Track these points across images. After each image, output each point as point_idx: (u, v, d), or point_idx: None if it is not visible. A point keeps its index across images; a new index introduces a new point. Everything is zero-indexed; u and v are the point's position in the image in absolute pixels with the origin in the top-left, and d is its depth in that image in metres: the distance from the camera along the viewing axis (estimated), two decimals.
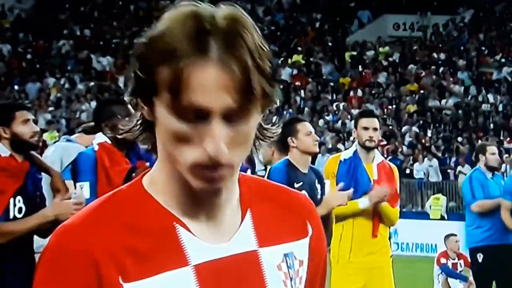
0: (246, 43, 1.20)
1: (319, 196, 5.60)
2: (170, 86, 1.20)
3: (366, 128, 5.54)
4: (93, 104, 21.20)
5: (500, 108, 23.89)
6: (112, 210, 1.29)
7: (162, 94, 1.21)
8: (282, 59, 26.20)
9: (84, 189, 4.27)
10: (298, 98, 23.83)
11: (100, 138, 4.51)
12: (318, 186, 5.61)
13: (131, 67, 1.26)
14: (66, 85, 24.97)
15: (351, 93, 24.64)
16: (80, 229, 1.27)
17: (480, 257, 7.49)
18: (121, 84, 23.77)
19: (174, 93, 1.20)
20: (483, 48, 27.59)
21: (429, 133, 22.68)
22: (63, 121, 22.29)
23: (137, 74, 1.24)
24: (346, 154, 5.81)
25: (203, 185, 1.25)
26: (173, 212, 1.29)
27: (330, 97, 24.58)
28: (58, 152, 5.66)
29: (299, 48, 27.32)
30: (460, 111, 23.86)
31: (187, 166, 1.24)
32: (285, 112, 21.11)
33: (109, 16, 28.81)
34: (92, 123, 6.25)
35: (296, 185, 5.37)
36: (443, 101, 24.39)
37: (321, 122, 22.19)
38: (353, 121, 5.88)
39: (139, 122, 1.30)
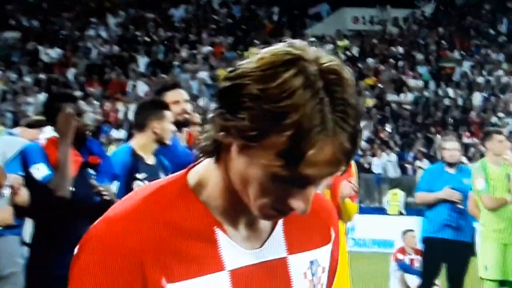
0: (353, 108, 1.23)
1: None
2: (284, 156, 1.22)
3: None
4: (40, 97, 20.91)
5: (460, 102, 24.21)
6: (156, 207, 1.31)
7: (266, 153, 1.23)
8: (238, 52, 26.16)
9: (40, 169, 4.30)
10: None
11: (48, 132, 4.50)
12: None
13: (225, 103, 1.26)
14: (12, 78, 24.58)
15: None
16: (125, 225, 1.28)
17: (422, 247, 7.88)
18: (69, 76, 23.49)
19: (287, 163, 1.22)
20: (443, 42, 27.93)
21: (387, 128, 22.89)
22: (9, 115, 21.94)
23: (240, 123, 1.23)
24: None
25: (267, 219, 1.33)
26: (215, 214, 1.33)
27: None
28: (0, 147, 5.58)
29: (256, 42, 27.30)
30: (419, 106, 24.12)
31: (258, 206, 1.28)
32: None
33: (58, 7, 28.43)
34: (37, 117, 6.19)
35: None
36: (402, 96, 24.62)
37: None
38: None
39: (213, 140, 1.29)
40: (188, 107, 5.33)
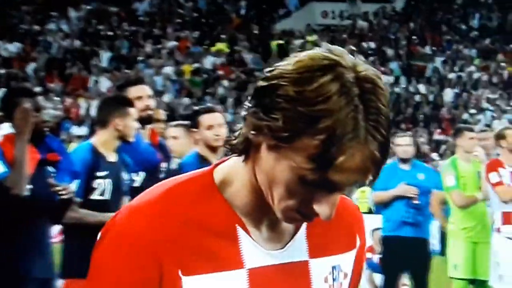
0: (386, 117, 1.29)
1: None
2: (314, 160, 1.26)
3: None
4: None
5: (431, 98, 24.42)
6: (179, 202, 1.36)
7: (297, 155, 1.27)
8: (204, 47, 26.11)
9: None
10: (221, 89, 23.81)
11: (6, 129, 4.48)
12: None
13: (261, 101, 1.30)
14: None
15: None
16: (146, 217, 1.34)
17: (382, 247, 7.96)
18: (29, 71, 23.26)
19: (316, 167, 1.26)
20: (414, 37, 28.15)
21: None
22: None
23: (274, 123, 1.27)
24: None
25: (289, 222, 1.37)
26: (238, 213, 1.37)
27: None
28: None
29: (223, 36, 27.28)
30: (389, 102, 24.26)
31: (282, 208, 1.33)
32: (207, 103, 21.04)
33: (17, 0, 28.13)
34: None
35: None
36: None
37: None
38: None
39: (244, 138, 1.34)
40: (152, 103, 5.31)
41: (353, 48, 27.29)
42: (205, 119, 5.18)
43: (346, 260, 1.49)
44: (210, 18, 28.85)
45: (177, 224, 1.34)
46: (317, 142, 1.25)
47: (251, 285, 1.36)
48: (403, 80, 25.59)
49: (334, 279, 1.46)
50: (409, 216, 7.62)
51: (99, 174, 4.75)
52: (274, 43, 27.67)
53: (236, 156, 1.38)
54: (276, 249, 1.40)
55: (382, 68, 25.93)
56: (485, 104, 23.50)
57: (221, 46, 26.43)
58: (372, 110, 1.27)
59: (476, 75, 25.50)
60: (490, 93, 24.07)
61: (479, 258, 7.49)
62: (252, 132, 1.31)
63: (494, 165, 7.29)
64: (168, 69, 24.06)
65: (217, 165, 1.42)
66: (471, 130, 7.83)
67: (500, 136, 7.37)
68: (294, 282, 1.41)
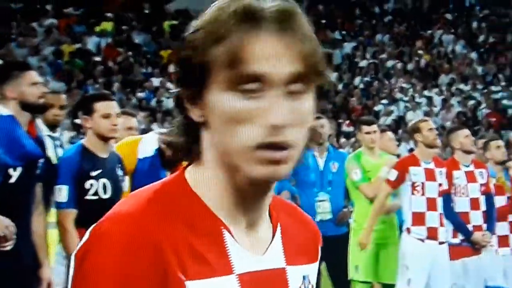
0: (299, 20, 1.41)
1: (122, 183, 5.55)
2: (226, 62, 1.37)
3: None
4: None
5: (340, 87, 24.81)
6: (170, 205, 1.42)
7: (218, 74, 1.39)
8: (87, 26, 25.77)
9: None
10: (105, 72, 23.54)
11: None
12: (121, 172, 5.56)
13: (177, 60, 1.45)
14: None
15: (171, 68, 24.69)
16: (145, 219, 1.38)
17: None
18: None
19: (232, 67, 1.37)
20: (323, 21, 28.53)
21: None
22: None
23: (187, 63, 1.42)
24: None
25: (266, 169, 1.39)
26: (219, 215, 1.45)
27: (145, 71, 24.51)
28: None
29: (109, 15, 26.98)
30: None
31: (248, 152, 1.38)
32: (89, 88, 20.76)
33: None
34: None
35: (93, 173, 5.29)
36: None
37: (133, 99, 22.08)
38: (171, 99, 5.93)
39: (182, 125, 1.46)
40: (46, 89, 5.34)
41: None
42: (105, 106, 5.30)
43: (312, 271, 1.59)
44: None
45: (175, 228, 1.40)
46: (222, 48, 1.38)
47: None
48: None
49: None
50: None
51: None
52: (167, 24, 27.56)
53: (193, 159, 1.47)
54: (258, 254, 1.49)
55: None
56: (398, 94, 24.02)
57: (106, 25, 26.14)
58: (281, 11, 1.40)
59: (389, 63, 26.05)
60: (404, 82, 24.61)
61: (383, 260, 7.63)
62: (179, 103, 1.45)
63: (404, 163, 7.41)
64: (45, 50, 23.63)
65: (184, 168, 1.49)
66: (368, 123, 7.91)
67: (414, 130, 7.48)
68: None
